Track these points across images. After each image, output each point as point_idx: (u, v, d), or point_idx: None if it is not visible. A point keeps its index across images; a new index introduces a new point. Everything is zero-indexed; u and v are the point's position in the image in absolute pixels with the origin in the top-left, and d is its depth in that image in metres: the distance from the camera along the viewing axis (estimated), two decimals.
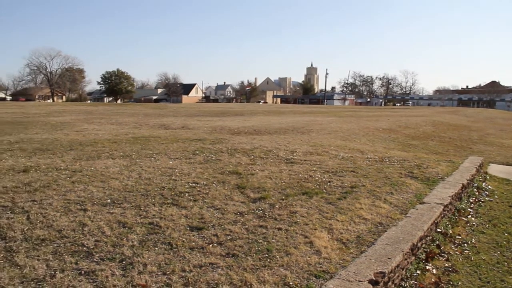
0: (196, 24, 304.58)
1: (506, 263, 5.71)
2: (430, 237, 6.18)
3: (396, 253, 4.78)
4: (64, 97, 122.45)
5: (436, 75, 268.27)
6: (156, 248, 4.69)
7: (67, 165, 8.99)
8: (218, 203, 6.37)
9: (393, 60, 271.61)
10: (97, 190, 6.90)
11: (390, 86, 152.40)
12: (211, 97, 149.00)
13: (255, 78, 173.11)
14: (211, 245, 4.82)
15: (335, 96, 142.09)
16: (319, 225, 5.64)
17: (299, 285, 4.01)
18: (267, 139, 14.98)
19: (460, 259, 5.81)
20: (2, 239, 4.82)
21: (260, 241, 5.00)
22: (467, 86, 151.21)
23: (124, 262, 4.33)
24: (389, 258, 4.61)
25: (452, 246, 6.26)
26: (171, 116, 31.72)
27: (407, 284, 4.88)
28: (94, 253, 4.52)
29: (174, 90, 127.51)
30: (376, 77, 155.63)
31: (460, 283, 5.11)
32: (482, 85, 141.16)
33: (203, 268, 4.26)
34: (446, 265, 5.58)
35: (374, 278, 4.15)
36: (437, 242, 6.22)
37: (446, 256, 5.84)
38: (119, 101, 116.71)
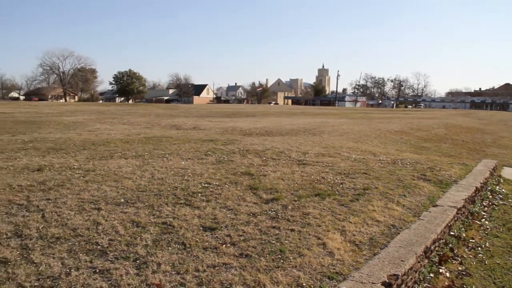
0: (208, 25, 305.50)
1: None
2: (443, 240, 6.15)
3: (410, 256, 4.75)
4: (76, 97, 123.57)
5: (449, 77, 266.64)
6: (169, 248, 4.72)
7: (80, 164, 9.07)
8: (230, 204, 6.38)
9: (405, 62, 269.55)
10: (110, 190, 6.95)
11: (402, 88, 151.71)
12: (222, 98, 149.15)
13: (266, 79, 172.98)
14: (224, 246, 4.83)
15: (347, 98, 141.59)
16: (332, 226, 5.63)
17: (312, 286, 4.00)
18: (279, 140, 14.98)
19: (474, 263, 5.76)
20: (18, 236, 4.88)
21: (273, 242, 5.00)
22: (480, 89, 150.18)
23: (138, 261, 4.36)
24: (402, 261, 4.59)
25: (466, 250, 6.22)
26: (183, 117, 31.84)
27: (420, 287, 4.86)
28: (108, 252, 4.55)
29: (186, 91, 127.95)
30: (388, 79, 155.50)
31: (474, 287, 5.08)
32: (495, 87, 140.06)
33: (216, 268, 4.27)
34: (460, 268, 5.55)
35: (387, 280, 4.14)
36: (451, 245, 6.18)
37: (460, 259, 5.80)
38: (130, 101, 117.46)
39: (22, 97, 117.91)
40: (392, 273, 4.27)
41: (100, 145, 12.49)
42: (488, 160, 12.83)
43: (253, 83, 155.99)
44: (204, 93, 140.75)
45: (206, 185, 7.45)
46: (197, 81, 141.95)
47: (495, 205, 8.75)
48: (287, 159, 10.46)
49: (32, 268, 4.11)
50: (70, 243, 4.74)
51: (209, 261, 4.42)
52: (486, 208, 8.44)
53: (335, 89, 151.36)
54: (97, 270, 4.12)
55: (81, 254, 4.46)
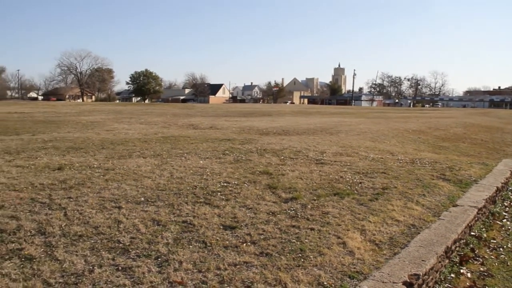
0: (224, 24, 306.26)
1: None
2: (464, 241, 6.09)
3: (430, 256, 4.72)
4: (93, 96, 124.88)
5: (467, 76, 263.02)
6: (190, 246, 4.75)
7: (99, 163, 9.18)
8: (250, 203, 6.40)
9: (422, 61, 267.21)
10: (130, 188, 7.02)
11: (419, 87, 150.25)
12: (238, 98, 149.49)
13: (282, 79, 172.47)
14: (244, 244, 4.85)
15: (363, 97, 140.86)
16: (352, 226, 5.62)
17: (333, 285, 4.00)
18: (296, 139, 14.97)
19: (496, 264, 5.69)
20: (42, 234, 4.96)
21: (293, 241, 5.01)
22: (499, 87, 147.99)
23: (159, 259, 4.40)
24: (423, 261, 4.56)
25: (487, 250, 6.15)
26: (199, 116, 31.99)
27: (442, 287, 4.82)
28: (130, 250, 4.60)
29: (202, 90, 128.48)
30: (405, 78, 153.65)
31: None
32: None
33: (237, 266, 4.29)
34: (481, 269, 5.48)
35: (408, 280, 4.12)
36: (471, 245, 6.12)
37: (481, 260, 5.74)
38: (146, 101, 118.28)
39: (40, 97, 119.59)
40: (413, 273, 4.25)
41: (119, 144, 12.62)
42: (508, 160, 12.66)
43: (269, 83, 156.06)
44: (220, 93, 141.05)
45: (225, 184, 7.48)
46: (213, 81, 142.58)
47: None
48: (305, 158, 10.45)
49: (56, 265, 4.18)
50: (92, 241, 4.81)
51: (230, 259, 4.44)
52: (507, 208, 8.32)
53: (351, 88, 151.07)
54: (120, 268, 4.18)
55: (103, 252, 4.52)
